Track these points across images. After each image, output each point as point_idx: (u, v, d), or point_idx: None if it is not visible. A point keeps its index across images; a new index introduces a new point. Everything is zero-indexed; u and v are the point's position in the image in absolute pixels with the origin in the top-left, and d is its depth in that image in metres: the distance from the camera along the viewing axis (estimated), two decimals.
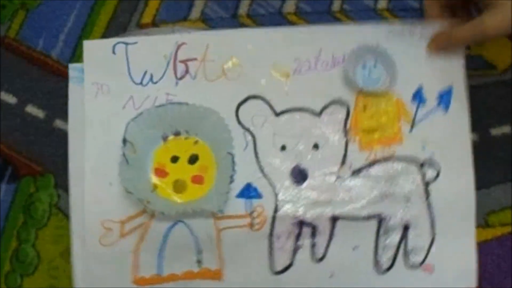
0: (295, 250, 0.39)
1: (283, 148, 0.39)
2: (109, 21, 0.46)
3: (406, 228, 0.40)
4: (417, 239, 0.40)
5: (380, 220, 0.40)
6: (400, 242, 0.40)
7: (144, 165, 0.39)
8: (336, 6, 0.45)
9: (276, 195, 0.39)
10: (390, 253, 0.40)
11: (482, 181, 0.41)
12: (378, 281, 0.39)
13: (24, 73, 0.45)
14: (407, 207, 0.40)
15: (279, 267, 0.39)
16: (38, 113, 0.44)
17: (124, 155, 0.38)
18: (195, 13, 0.46)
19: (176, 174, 0.39)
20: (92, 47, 0.40)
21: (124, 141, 0.38)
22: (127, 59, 0.39)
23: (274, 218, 0.39)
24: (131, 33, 0.44)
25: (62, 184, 0.42)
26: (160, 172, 0.39)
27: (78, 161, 0.39)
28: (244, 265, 0.39)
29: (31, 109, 0.45)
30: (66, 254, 0.41)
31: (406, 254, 0.40)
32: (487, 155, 0.43)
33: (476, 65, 0.44)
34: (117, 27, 0.46)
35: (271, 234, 0.39)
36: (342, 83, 0.40)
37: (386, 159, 0.40)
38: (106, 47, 0.39)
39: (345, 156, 0.40)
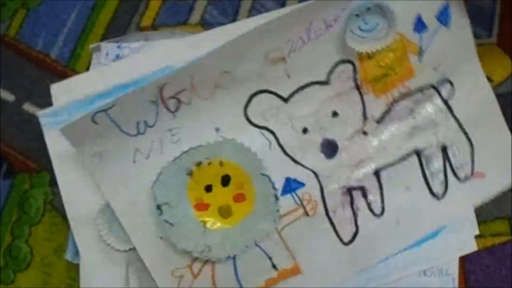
0: (355, 216, 0.40)
1: (304, 130, 0.39)
2: (109, 22, 0.46)
3: (444, 150, 0.41)
4: (459, 155, 0.41)
5: (418, 154, 0.41)
6: (444, 165, 0.41)
7: (185, 211, 0.39)
8: None
9: (316, 175, 0.39)
10: (440, 178, 0.41)
11: None
12: (441, 206, 0.41)
13: (23, 71, 0.46)
14: (438, 130, 0.41)
15: (347, 238, 0.40)
16: (35, 111, 0.44)
17: (166, 221, 0.38)
18: (195, 17, 0.46)
19: (216, 202, 0.39)
20: (73, 129, 0.37)
21: (158, 207, 0.38)
22: (113, 122, 0.38)
23: (323, 197, 0.40)
24: (131, 36, 0.44)
25: (56, 182, 0.42)
26: (201, 206, 0.39)
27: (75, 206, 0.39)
28: (315, 250, 0.40)
29: (28, 107, 0.45)
30: (59, 251, 0.42)
31: (454, 172, 0.41)
32: None
33: None
34: (116, 29, 0.46)
35: (327, 213, 0.40)
36: (340, 42, 0.39)
37: (403, 96, 0.40)
38: (86, 123, 0.37)
39: (364, 110, 0.40)
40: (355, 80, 0.40)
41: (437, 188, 0.41)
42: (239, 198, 0.39)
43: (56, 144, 0.40)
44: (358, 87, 0.40)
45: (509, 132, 0.42)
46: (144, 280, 0.40)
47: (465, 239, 0.41)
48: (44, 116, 0.41)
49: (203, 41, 0.41)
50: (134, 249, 0.39)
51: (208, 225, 0.39)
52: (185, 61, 0.38)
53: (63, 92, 0.41)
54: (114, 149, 0.38)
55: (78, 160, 0.40)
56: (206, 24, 0.46)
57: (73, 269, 0.41)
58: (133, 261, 0.40)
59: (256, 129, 0.39)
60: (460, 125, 0.41)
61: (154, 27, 0.46)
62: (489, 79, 0.43)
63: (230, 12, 0.46)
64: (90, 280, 0.39)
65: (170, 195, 0.38)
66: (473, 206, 0.41)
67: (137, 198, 0.38)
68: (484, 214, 0.42)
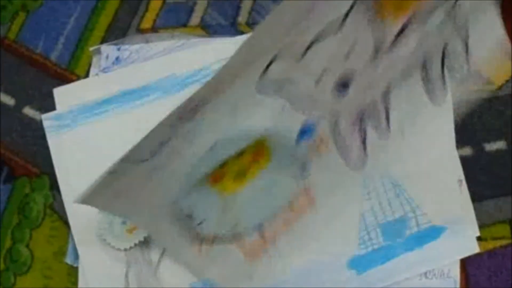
0: (363, 140, 0.40)
1: (317, 82, 0.36)
2: (109, 25, 0.47)
3: (443, 55, 0.40)
4: (454, 56, 0.41)
5: (423, 64, 0.40)
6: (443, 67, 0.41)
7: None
8: None
9: (329, 113, 0.38)
10: (439, 84, 0.41)
11: (475, 195, 0.42)
12: (441, 109, 0.41)
13: (23, 74, 0.46)
14: (438, 36, 0.40)
15: (358, 165, 0.40)
16: (35, 115, 0.45)
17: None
18: (195, 19, 0.46)
19: (233, 169, 0.37)
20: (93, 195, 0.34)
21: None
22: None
23: (334, 133, 0.39)
24: (131, 38, 0.44)
25: (58, 186, 0.42)
26: (216, 178, 0.37)
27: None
28: (331, 181, 0.40)
29: (28, 110, 0.45)
30: (59, 254, 0.42)
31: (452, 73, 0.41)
32: (480, 169, 0.43)
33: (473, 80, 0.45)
34: (116, 31, 0.46)
35: (336, 144, 0.39)
36: None
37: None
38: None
39: (379, 39, 0.37)
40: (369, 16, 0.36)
41: (436, 93, 0.41)
42: (258, 155, 0.38)
43: (59, 148, 0.41)
44: (371, 21, 0.36)
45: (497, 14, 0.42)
46: (144, 280, 0.40)
47: (467, 240, 0.41)
48: (47, 119, 0.41)
49: (209, 52, 0.42)
50: (134, 248, 0.39)
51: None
52: (191, 69, 0.40)
53: (66, 96, 0.42)
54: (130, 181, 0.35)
55: (80, 163, 0.40)
56: (206, 26, 0.46)
57: (74, 273, 0.41)
58: (133, 260, 0.40)
59: (270, 99, 0.37)
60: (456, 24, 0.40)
61: (154, 29, 0.46)
62: (490, 82, 0.43)
63: (230, 14, 0.46)
64: (88, 280, 0.39)
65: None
66: None
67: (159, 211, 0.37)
68: (485, 217, 0.42)
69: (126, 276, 0.40)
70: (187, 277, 0.40)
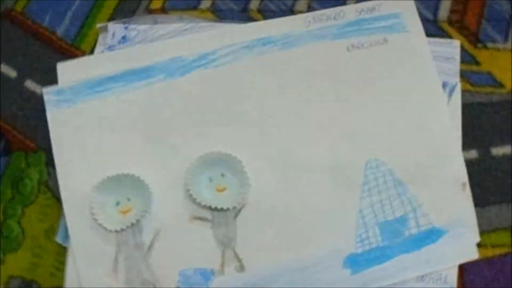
0: None
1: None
2: (118, 3, 0.46)
3: None
4: None
5: None
6: None
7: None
8: (352, 1, 0.45)
9: None
10: None
11: (477, 200, 0.41)
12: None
13: (27, 47, 0.45)
14: None
15: None
16: (37, 88, 0.44)
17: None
18: (206, 2, 0.45)
19: None
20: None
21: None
22: None
23: None
24: (139, 18, 0.44)
25: (54, 163, 0.42)
26: None
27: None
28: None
29: (30, 84, 0.45)
30: (50, 233, 0.41)
31: None
32: (485, 174, 0.43)
33: (484, 82, 0.44)
34: (125, 10, 0.46)
35: None
36: None
37: None
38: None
39: None
40: None
41: None
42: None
43: (57, 123, 0.40)
44: None
45: None
46: (133, 264, 0.39)
47: (466, 245, 0.40)
48: (48, 93, 0.40)
49: (217, 37, 0.42)
50: (125, 230, 0.39)
51: None
52: (194, 54, 0.39)
53: (69, 71, 0.41)
54: None
55: (78, 140, 0.39)
56: (217, 10, 0.45)
57: (63, 253, 0.40)
58: (124, 243, 0.39)
59: None
60: None
61: (163, 10, 0.46)
62: (502, 85, 0.42)
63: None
64: (77, 260, 0.39)
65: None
66: None
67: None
68: (486, 223, 0.42)
69: (116, 258, 0.39)
70: (178, 264, 0.39)
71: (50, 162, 0.43)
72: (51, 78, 0.43)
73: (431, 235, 0.40)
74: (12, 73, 0.45)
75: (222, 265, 0.39)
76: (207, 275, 0.39)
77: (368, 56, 0.43)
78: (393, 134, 0.42)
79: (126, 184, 0.39)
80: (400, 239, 0.40)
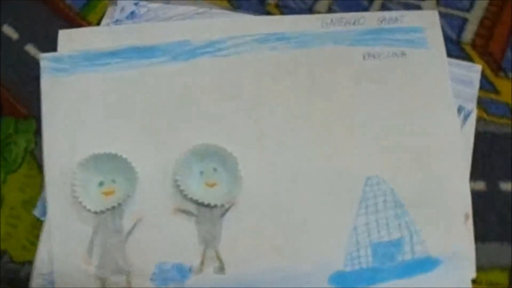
0: None
1: None
2: None
3: None
4: None
5: None
6: None
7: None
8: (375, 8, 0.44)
9: None
10: None
11: (478, 234, 0.39)
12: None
13: (32, 11, 0.44)
14: None
15: None
16: (37, 54, 0.42)
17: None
18: None
19: None
20: None
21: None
22: None
23: None
24: None
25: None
26: None
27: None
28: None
29: (30, 48, 0.43)
30: (29, 205, 0.40)
31: None
32: (490, 208, 0.40)
33: (501, 112, 0.42)
34: None
35: None
36: None
37: None
38: None
39: None
40: None
41: None
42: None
43: (50, 91, 0.39)
44: None
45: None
46: (109, 249, 0.37)
47: (461, 280, 0.38)
48: (45, 59, 0.39)
49: (228, 25, 0.40)
50: (106, 212, 0.37)
51: None
52: (202, 40, 0.38)
53: (71, 40, 0.40)
54: None
55: (69, 112, 0.38)
56: None
57: (39, 227, 0.38)
58: (102, 225, 0.37)
59: None
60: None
61: None
62: None
63: None
64: (52, 236, 0.37)
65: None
66: None
67: None
68: (484, 260, 0.39)
69: (92, 240, 0.37)
70: (156, 256, 0.37)
71: (39, 132, 0.41)
72: (52, 46, 0.41)
73: (426, 264, 0.38)
74: (14, 35, 0.43)
75: (202, 264, 0.37)
76: (184, 271, 0.37)
77: (383, 68, 0.41)
78: (400, 153, 0.40)
79: (113, 165, 0.38)
80: (392, 263, 0.38)
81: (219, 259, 0.38)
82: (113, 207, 0.37)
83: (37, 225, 0.39)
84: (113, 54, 0.39)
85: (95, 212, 0.37)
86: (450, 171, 0.40)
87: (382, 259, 0.38)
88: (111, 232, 0.37)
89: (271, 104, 0.40)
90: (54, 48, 0.40)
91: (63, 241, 0.37)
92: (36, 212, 0.39)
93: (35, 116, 0.42)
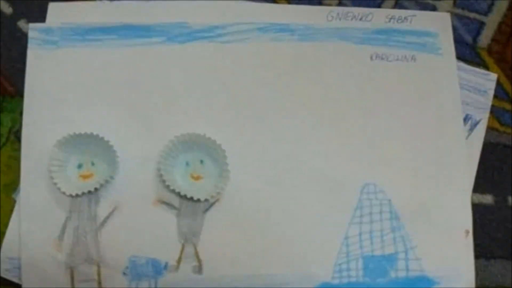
0: None
1: None
2: None
3: None
4: None
5: None
6: None
7: None
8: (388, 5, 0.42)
9: None
10: None
11: (482, 250, 0.37)
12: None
13: None
14: None
15: None
16: (25, 28, 0.41)
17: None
18: None
19: None
20: None
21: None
22: None
23: None
24: None
25: None
26: None
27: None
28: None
29: (23, 24, 0.41)
30: (9, 188, 0.38)
31: None
32: (497, 223, 0.38)
33: None
34: None
35: None
36: None
37: None
38: None
39: None
40: None
41: None
42: None
43: (36, 63, 0.37)
44: None
45: None
46: (82, 235, 0.35)
47: None
48: (34, 29, 0.38)
49: (231, 10, 0.39)
50: (81, 196, 0.35)
51: None
52: (202, 24, 0.36)
53: (61, 13, 0.38)
54: None
55: (53, 87, 0.37)
56: None
57: None
58: (77, 209, 0.36)
59: None
60: None
61: None
62: None
63: None
64: (22, 218, 0.35)
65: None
66: None
67: None
68: (487, 278, 0.37)
69: (64, 225, 0.35)
70: (130, 248, 0.35)
71: None
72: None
73: (420, 282, 0.36)
74: (8, 9, 0.42)
75: (179, 261, 0.35)
76: (158, 268, 0.35)
77: (392, 71, 0.39)
78: (400, 162, 0.38)
79: (93, 147, 0.36)
80: (384, 279, 0.36)
81: (197, 257, 0.35)
82: (90, 192, 0.35)
83: None
84: (107, 30, 0.38)
85: (71, 196, 0.35)
86: (452, 183, 0.37)
87: (373, 274, 0.36)
88: (85, 219, 0.35)
89: (268, 98, 0.38)
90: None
91: (33, 224, 0.35)
92: (16, 196, 0.37)
93: (23, 95, 0.40)
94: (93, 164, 0.36)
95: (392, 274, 0.36)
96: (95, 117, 0.37)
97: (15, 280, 0.35)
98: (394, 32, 0.40)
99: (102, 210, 0.36)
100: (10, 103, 0.40)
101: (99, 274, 0.35)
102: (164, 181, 0.35)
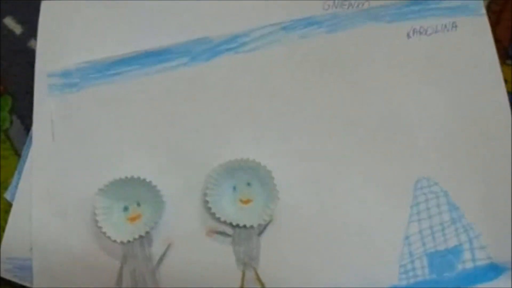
0: None
1: None
2: None
3: None
4: None
5: None
6: None
7: None
8: None
9: None
10: None
11: None
12: None
13: None
14: None
15: None
16: (16, 28, 0.39)
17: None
18: None
19: None
20: None
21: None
22: None
23: None
24: None
25: (19, 110, 0.38)
26: None
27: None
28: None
29: (9, 21, 0.39)
30: (0, 187, 0.37)
31: None
32: None
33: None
34: None
35: None
36: None
37: None
38: None
39: None
40: None
41: None
42: None
43: (60, 111, 0.36)
44: None
45: None
46: (140, 277, 0.35)
47: None
48: (54, 75, 0.36)
49: (249, 15, 0.36)
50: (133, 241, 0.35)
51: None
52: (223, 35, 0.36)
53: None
54: None
55: (80, 131, 0.36)
56: None
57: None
58: (130, 254, 0.35)
59: None
60: None
61: None
62: None
63: None
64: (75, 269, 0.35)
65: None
66: None
67: None
68: None
69: (120, 272, 0.35)
70: (190, 283, 0.35)
71: (15, 110, 0.38)
72: (31, 19, 0.38)
73: (489, 271, 0.36)
74: None
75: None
76: None
77: (432, 45, 0.37)
78: (451, 148, 0.36)
79: (136, 189, 0.35)
80: (452, 273, 0.36)
81: (259, 281, 0.35)
82: (141, 236, 0.34)
83: (10, 209, 0.36)
84: (127, 61, 0.36)
85: (122, 243, 0.34)
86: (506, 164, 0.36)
87: (440, 270, 0.36)
88: (141, 261, 0.35)
89: (306, 104, 0.36)
90: (32, 22, 0.37)
91: (88, 275, 0.35)
92: (8, 196, 0.36)
93: (11, 92, 0.39)
94: (138, 204, 0.35)
95: (459, 267, 0.36)
96: (130, 158, 0.35)
97: (15, 280, 0.36)
98: (426, 2, 0.37)
99: (156, 250, 0.35)
100: None
101: None
102: (214, 213, 0.35)
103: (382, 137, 0.36)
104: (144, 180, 0.34)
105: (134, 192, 0.35)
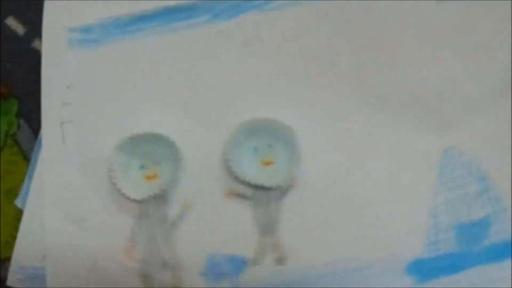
0: None
1: None
2: None
3: None
4: None
5: None
6: None
7: None
8: None
9: None
10: None
11: None
12: None
13: None
14: None
15: None
16: (18, 28, 0.39)
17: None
18: None
19: None
20: None
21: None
22: None
23: None
24: None
25: (25, 113, 0.38)
26: None
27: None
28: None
29: (11, 21, 0.39)
30: (11, 194, 0.37)
31: None
32: None
33: None
34: None
35: None
36: None
37: None
38: None
39: None
40: None
41: None
42: None
43: (80, 67, 0.35)
44: None
45: None
46: (154, 239, 0.34)
47: None
48: (74, 30, 0.36)
49: None
50: (149, 199, 0.34)
51: None
52: None
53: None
54: None
55: (100, 88, 0.36)
56: None
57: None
58: (144, 214, 0.34)
59: None
60: None
61: None
62: None
63: None
64: (90, 228, 0.34)
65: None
66: None
67: None
68: None
69: (133, 231, 0.34)
70: (206, 247, 0.34)
71: (21, 113, 0.38)
72: (35, 19, 0.38)
73: None
74: None
75: (259, 254, 0.34)
76: (238, 264, 0.34)
77: (462, 11, 0.36)
78: (481, 118, 0.35)
79: (154, 146, 0.34)
80: (478, 247, 0.35)
81: (278, 248, 0.34)
82: (157, 195, 0.33)
83: (21, 216, 0.36)
84: (149, 17, 0.35)
85: (137, 200, 0.34)
86: None
87: (466, 243, 0.35)
88: (156, 222, 0.34)
89: (333, 66, 0.35)
90: (36, 22, 0.37)
91: (101, 233, 0.34)
92: (19, 203, 0.36)
93: (17, 96, 0.38)
94: (156, 163, 0.34)
95: (486, 240, 0.35)
96: (150, 114, 0.35)
97: None
98: None
99: (172, 211, 0.34)
100: (4, 105, 0.39)
101: (176, 279, 0.34)
102: (233, 172, 0.34)
103: (411, 103, 0.35)
104: (162, 136, 0.34)
105: (153, 149, 0.34)
